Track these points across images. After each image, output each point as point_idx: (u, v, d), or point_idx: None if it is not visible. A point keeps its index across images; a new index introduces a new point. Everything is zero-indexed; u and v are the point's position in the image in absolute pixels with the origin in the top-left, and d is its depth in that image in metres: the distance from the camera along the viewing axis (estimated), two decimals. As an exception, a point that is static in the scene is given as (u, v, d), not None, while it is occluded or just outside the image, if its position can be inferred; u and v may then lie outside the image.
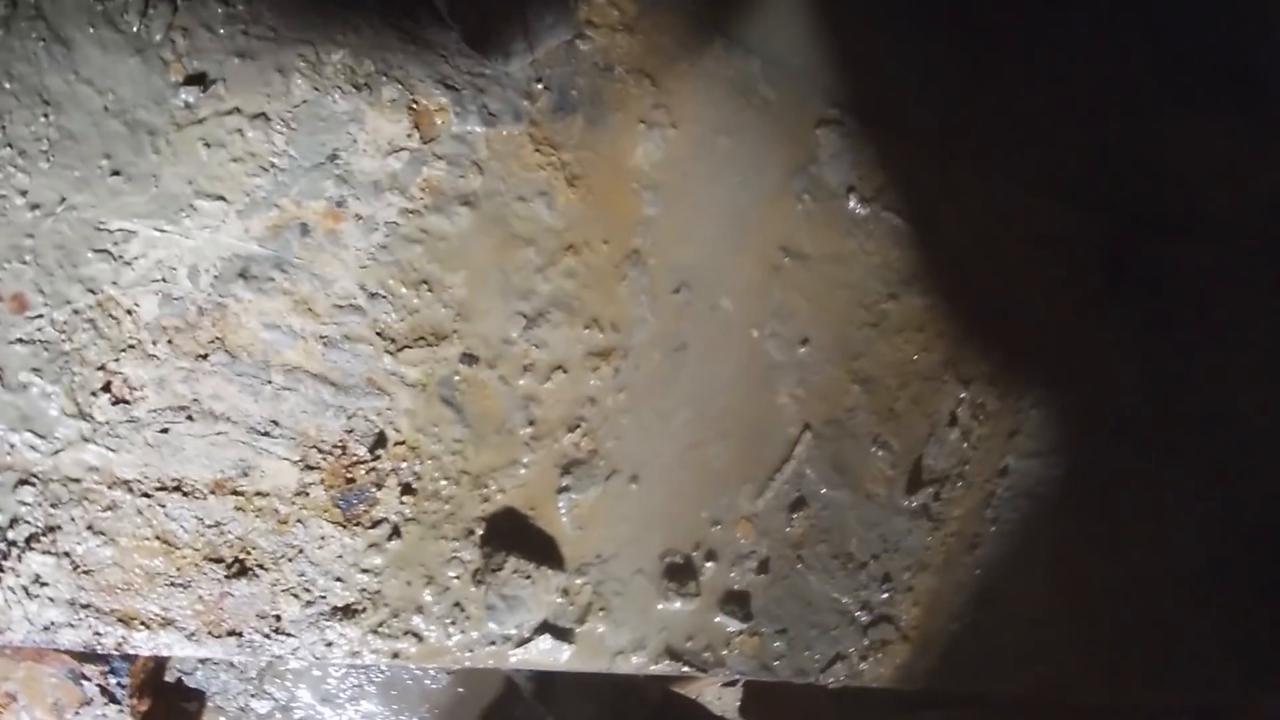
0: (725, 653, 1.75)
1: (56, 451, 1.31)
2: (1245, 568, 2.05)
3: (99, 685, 1.65)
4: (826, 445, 1.86)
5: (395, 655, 1.52)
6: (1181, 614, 2.05)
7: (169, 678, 2.07)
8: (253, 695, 2.39)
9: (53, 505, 1.32)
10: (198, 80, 1.38)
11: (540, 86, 1.69)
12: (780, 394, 1.83)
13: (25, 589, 1.33)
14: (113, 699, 1.65)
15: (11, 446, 1.30)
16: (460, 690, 2.51)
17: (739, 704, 2.45)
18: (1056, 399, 2.02)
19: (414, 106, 1.57)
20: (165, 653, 1.40)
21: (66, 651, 1.64)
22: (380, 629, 1.51)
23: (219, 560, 1.43)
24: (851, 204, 1.96)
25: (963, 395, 1.97)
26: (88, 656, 1.64)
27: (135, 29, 1.35)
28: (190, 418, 1.39)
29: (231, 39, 1.43)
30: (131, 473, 1.35)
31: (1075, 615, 1.92)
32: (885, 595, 1.86)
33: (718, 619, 1.73)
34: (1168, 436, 2.03)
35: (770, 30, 1.94)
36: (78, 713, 1.65)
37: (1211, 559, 1.99)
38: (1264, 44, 2.15)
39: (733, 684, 2.63)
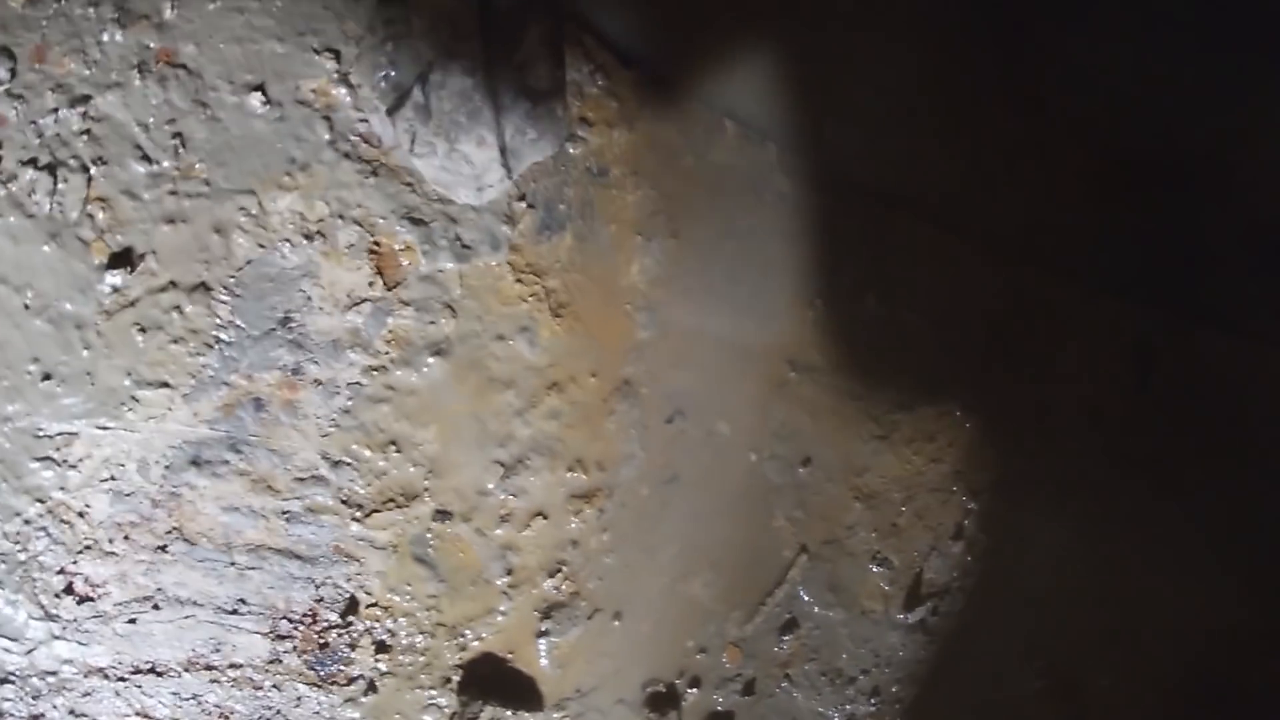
0: (706, 769, 1.78)
1: (30, 651, 1.31)
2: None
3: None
4: (822, 566, 1.79)
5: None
6: None
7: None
8: None
9: (33, 697, 1.34)
10: (123, 259, 1.24)
11: (523, 205, 1.50)
12: (777, 517, 1.74)
13: (15, 767, 1.38)
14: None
15: (-19, 647, 1.31)
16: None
17: None
18: (1072, 506, 1.89)
19: (376, 249, 1.41)
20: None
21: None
22: (362, 773, 1.56)
23: (202, 721, 1.46)
24: (869, 304, 1.77)
25: (971, 506, 1.85)
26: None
27: (47, 209, 1.21)
28: (156, 606, 1.37)
29: (159, 203, 1.27)
30: (105, 661, 1.36)
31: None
32: (873, 709, 1.85)
33: (699, 739, 1.76)
34: (1189, 547, 1.91)
35: (789, 110, 1.68)
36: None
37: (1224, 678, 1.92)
38: None
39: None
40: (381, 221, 1.39)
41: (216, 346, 1.32)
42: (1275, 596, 1.84)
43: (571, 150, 1.51)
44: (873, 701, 1.85)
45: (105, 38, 1.23)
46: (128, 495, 1.30)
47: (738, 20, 1.67)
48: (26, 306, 1.21)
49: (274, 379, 1.36)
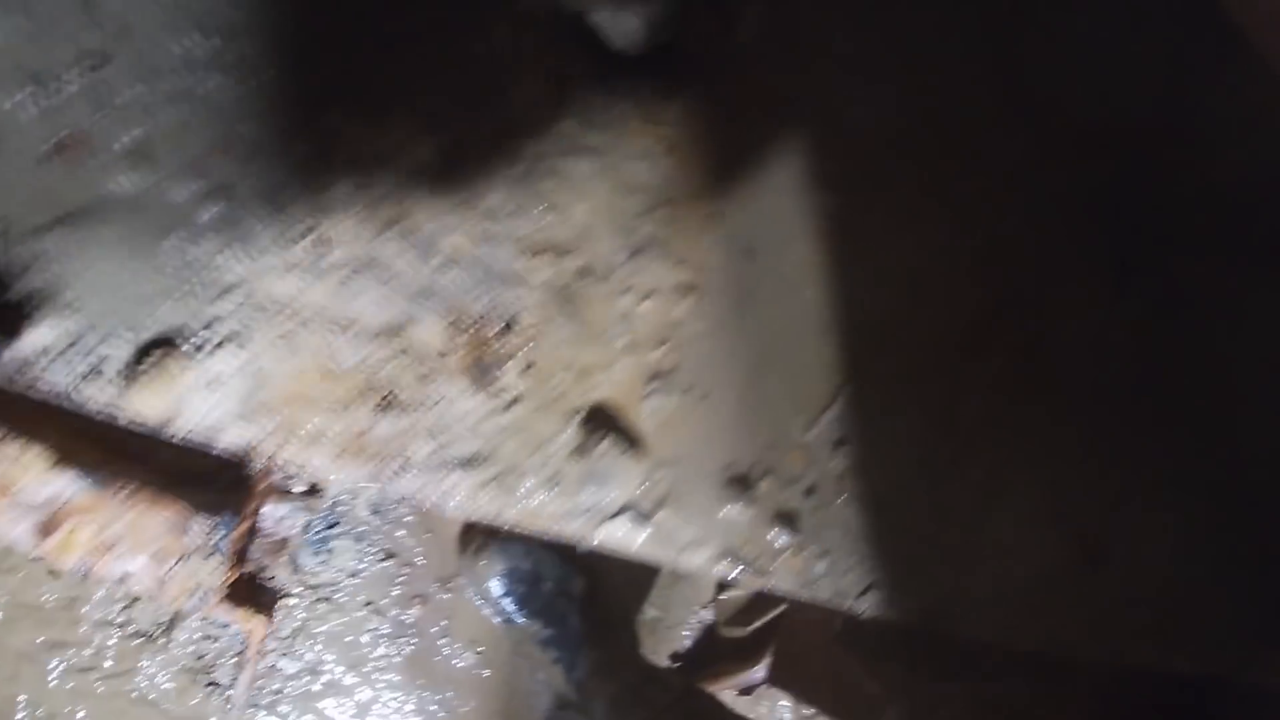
0: (773, 566, 1.92)
1: (263, 274, 1.56)
2: (1246, 534, 2.20)
3: (201, 541, 1.76)
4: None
5: (499, 513, 1.69)
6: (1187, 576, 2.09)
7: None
8: (283, 654, 2.38)
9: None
10: None
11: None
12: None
13: (208, 384, 1.52)
14: (212, 554, 1.75)
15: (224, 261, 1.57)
16: (485, 673, 2.52)
17: (767, 674, 2.50)
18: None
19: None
20: (311, 472, 1.57)
21: (182, 501, 1.77)
22: (490, 485, 1.69)
23: (373, 390, 1.64)
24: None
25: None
26: (199, 508, 1.77)
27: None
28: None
29: None
30: (319, 304, 1.60)
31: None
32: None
33: (768, 534, 1.92)
34: (1165, 410, 2.28)
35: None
36: (173, 567, 1.75)
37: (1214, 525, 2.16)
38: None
39: (748, 692, 2.69)
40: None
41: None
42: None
43: None
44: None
45: None
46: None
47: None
48: None
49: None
